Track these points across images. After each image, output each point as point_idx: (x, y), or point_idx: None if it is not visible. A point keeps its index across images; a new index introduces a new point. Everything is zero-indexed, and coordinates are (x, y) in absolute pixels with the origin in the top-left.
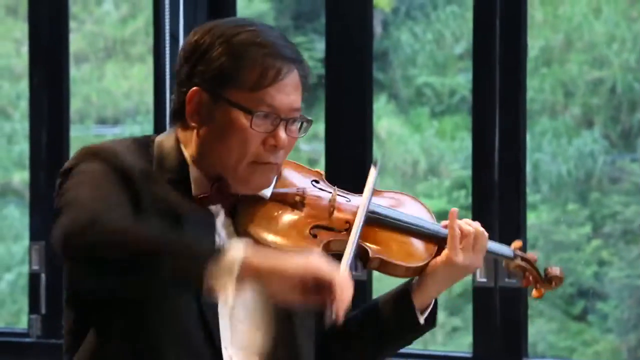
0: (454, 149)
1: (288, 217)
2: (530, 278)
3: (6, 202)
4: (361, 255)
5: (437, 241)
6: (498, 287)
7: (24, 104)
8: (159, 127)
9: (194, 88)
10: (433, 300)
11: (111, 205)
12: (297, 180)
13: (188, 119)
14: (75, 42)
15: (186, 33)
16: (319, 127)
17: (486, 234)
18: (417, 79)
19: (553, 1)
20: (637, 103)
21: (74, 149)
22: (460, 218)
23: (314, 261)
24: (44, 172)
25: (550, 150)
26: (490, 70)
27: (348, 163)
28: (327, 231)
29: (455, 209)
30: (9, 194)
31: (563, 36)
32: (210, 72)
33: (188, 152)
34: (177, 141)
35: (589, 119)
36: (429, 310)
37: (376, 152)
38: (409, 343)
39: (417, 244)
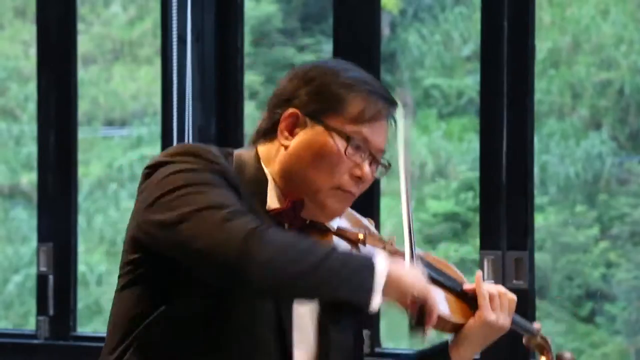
0: (462, 151)
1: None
2: (550, 357)
3: (14, 204)
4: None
5: (468, 302)
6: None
7: (32, 106)
8: (166, 129)
9: (293, 109)
10: None
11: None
12: (357, 221)
13: (280, 135)
14: (83, 44)
15: (193, 35)
16: None
17: (511, 295)
18: (424, 81)
19: (561, 3)
20: None
21: (81, 150)
22: (468, 222)
23: (427, 285)
24: (52, 174)
25: (558, 151)
26: (498, 71)
27: None
28: None
29: (480, 273)
30: (17, 196)
31: (571, 38)
32: (314, 97)
33: (269, 170)
34: (257, 156)
35: (597, 121)
36: None
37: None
38: None
39: (458, 303)
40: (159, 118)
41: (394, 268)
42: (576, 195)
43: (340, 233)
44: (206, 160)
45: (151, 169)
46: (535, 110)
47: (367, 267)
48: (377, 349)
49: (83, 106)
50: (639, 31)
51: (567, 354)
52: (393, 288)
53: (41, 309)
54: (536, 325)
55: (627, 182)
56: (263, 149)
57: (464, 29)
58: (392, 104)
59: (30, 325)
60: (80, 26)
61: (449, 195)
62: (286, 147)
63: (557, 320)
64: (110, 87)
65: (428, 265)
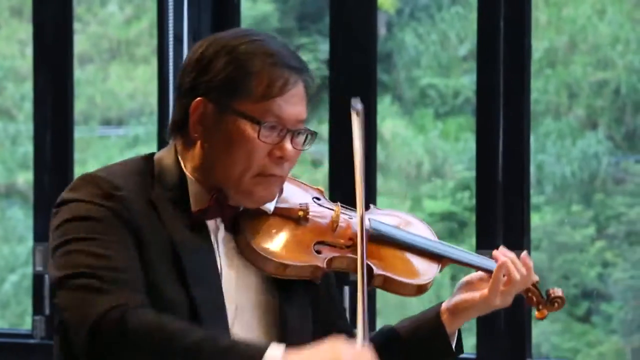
0: (458, 150)
1: (292, 232)
2: (534, 299)
3: (10, 203)
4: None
5: (439, 260)
6: None
7: (28, 105)
8: (162, 128)
9: (198, 98)
10: (457, 330)
11: (132, 274)
12: (299, 196)
13: (191, 130)
14: (80, 43)
15: (190, 34)
16: (323, 129)
17: (533, 277)
18: (421, 80)
19: (557, 2)
20: None
21: (78, 150)
22: (464, 221)
23: None
24: (48, 174)
25: (554, 151)
26: (494, 71)
27: (352, 165)
28: (331, 247)
29: (505, 262)
30: (13, 195)
31: (567, 37)
32: (216, 82)
33: (188, 166)
34: (176, 155)
35: (593, 121)
36: (455, 338)
37: (380, 154)
38: None
39: (422, 263)
40: (155, 117)
41: (294, 358)
42: (572, 195)
43: (278, 212)
44: (102, 198)
45: (56, 208)
46: (531, 110)
47: (251, 358)
48: None
49: (79, 106)
50: (635, 31)
51: (559, 291)
52: None
53: (37, 308)
54: None
55: (623, 181)
56: (180, 145)
57: (460, 28)
58: (300, 66)
59: (26, 325)
60: (76, 25)
61: (446, 194)
62: (199, 140)
63: (553, 320)
64: (107, 87)
65: (390, 228)
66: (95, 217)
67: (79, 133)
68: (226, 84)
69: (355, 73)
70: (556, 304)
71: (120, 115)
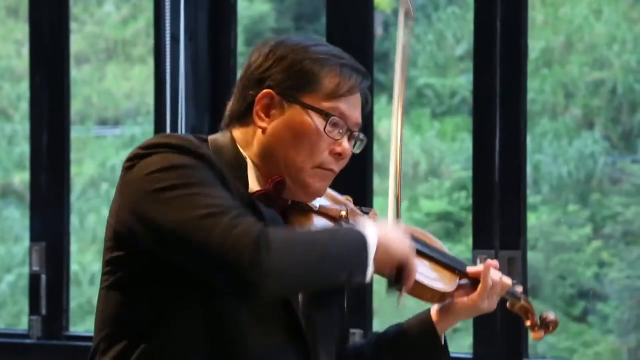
0: (455, 150)
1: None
2: (532, 319)
3: (6, 203)
4: (395, 275)
5: (459, 274)
6: None
7: (25, 105)
8: (159, 128)
9: (267, 90)
10: (443, 334)
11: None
12: (335, 199)
13: (256, 118)
14: (76, 43)
15: (187, 34)
16: None
17: (506, 280)
18: (417, 80)
19: (554, 2)
20: (637, 104)
21: (74, 150)
22: (461, 221)
23: (410, 247)
24: (44, 173)
25: (551, 151)
26: (490, 71)
27: (348, 164)
28: None
29: (492, 262)
30: (9, 195)
31: (563, 37)
32: (287, 75)
33: (248, 153)
34: (233, 140)
35: (590, 120)
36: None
37: (376, 153)
38: None
39: (444, 273)
40: (152, 117)
41: (381, 235)
42: (569, 195)
43: (322, 211)
44: (190, 153)
45: (132, 161)
46: (528, 110)
47: (361, 243)
48: None
49: (76, 105)
50: (631, 31)
51: (551, 315)
52: (381, 256)
53: (33, 308)
54: (518, 288)
55: (619, 181)
56: (238, 133)
57: (457, 28)
58: (365, 76)
59: (22, 325)
60: (73, 25)
61: (442, 194)
62: (264, 129)
63: None
64: (103, 86)
65: (413, 238)
66: (191, 164)
67: (75, 133)
68: (297, 78)
69: None
70: (550, 327)
71: (116, 115)
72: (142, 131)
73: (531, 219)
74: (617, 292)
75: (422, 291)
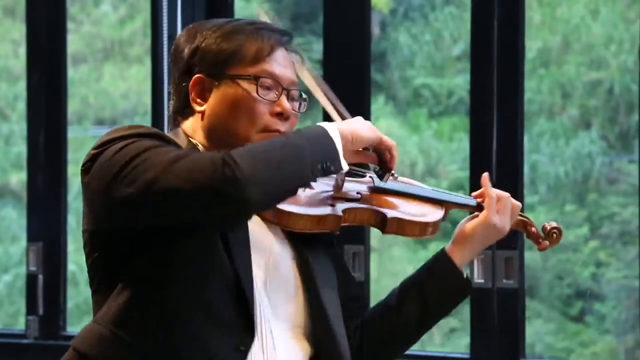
0: (452, 150)
1: (303, 190)
2: (533, 230)
3: (4, 203)
4: (380, 221)
5: (443, 205)
6: (496, 288)
7: (22, 105)
8: (156, 128)
9: (196, 76)
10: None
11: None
12: None
13: (192, 104)
14: (73, 43)
15: None
16: None
17: (516, 202)
18: (415, 80)
19: (551, 2)
20: (634, 104)
21: (71, 150)
22: (458, 221)
23: (377, 130)
24: (41, 173)
25: (548, 151)
26: (488, 71)
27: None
28: (342, 201)
29: (486, 174)
30: (6, 195)
31: (561, 37)
32: (209, 57)
33: (197, 140)
34: (183, 133)
35: (587, 120)
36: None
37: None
38: (450, 311)
39: (426, 206)
40: (149, 117)
41: (342, 126)
42: (566, 195)
43: None
44: (144, 130)
45: (88, 164)
46: (525, 110)
47: (322, 132)
48: None
49: (73, 105)
50: (628, 31)
51: (553, 223)
52: (352, 145)
53: (31, 308)
54: None
55: (616, 181)
56: (185, 125)
57: (454, 28)
58: (285, 33)
59: (19, 325)
60: (70, 25)
61: None
62: (203, 113)
63: (547, 320)
64: (101, 86)
65: (392, 184)
66: (146, 136)
67: (73, 133)
68: (218, 56)
69: (349, 73)
70: (554, 235)
71: (113, 115)
72: None
73: None
74: (614, 292)
75: (409, 228)
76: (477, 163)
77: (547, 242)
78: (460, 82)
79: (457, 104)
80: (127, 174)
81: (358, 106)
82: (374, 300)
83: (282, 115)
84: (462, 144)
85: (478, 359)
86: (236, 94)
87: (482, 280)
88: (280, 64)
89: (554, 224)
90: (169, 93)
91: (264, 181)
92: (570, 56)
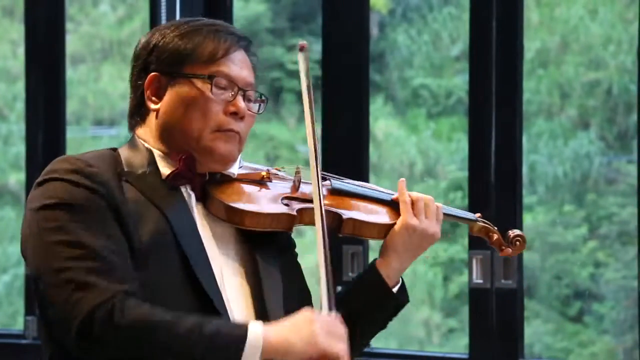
0: (451, 151)
1: (258, 191)
2: (495, 237)
3: (2, 204)
4: (334, 221)
5: (394, 207)
6: (494, 288)
7: (20, 105)
8: None
9: (152, 74)
10: (401, 279)
11: (121, 264)
12: (255, 167)
13: (148, 102)
14: (72, 43)
15: None
16: (316, 129)
17: (437, 203)
18: (413, 81)
19: (549, 3)
20: (633, 105)
21: (70, 150)
22: (458, 222)
23: (320, 343)
24: (40, 174)
25: (547, 151)
26: (486, 71)
27: (345, 164)
28: (297, 201)
29: (403, 179)
30: (5, 195)
31: (559, 38)
32: (165, 55)
33: (151, 142)
34: (138, 139)
35: (585, 121)
36: (398, 286)
37: (373, 154)
38: (383, 324)
39: (382, 208)
40: None
41: (276, 335)
42: (564, 195)
43: (242, 178)
44: (78, 180)
45: (35, 187)
46: (523, 110)
47: (235, 343)
48: (365, 349)
49: (72, 106)
50: (627, 31)
51: (517, 231)
52: (283, 356)
53: (29, 308)
54: (477, 215)
55: (615, 181)
56: (140, 130)
57: (452, 29)
58: (242, 37)
59: (18, 325)
60: (68, 25)
61: (438, 195)
62: (157, 111)
63: (545, 320)
64: (99, 87)
65: (348, 184)
66: (72, 200)
67: (71, 133)
68: (175, 55)
69: (348, 73)
70: (517, 243)
71: (112, 116)
72: None
73: (527, 219)
74: (612, 293)
75: (366, 229)
76: (476, 163)
77: (509, 250)
78: (459, 82)
79: (456, 104)
80: (37, 245)
81: (357, 106)
82: None
83: (236, 115)
84: (461, 144)
85: (477, 359)
86: (190, 93)
87: (480, 281)
88: (237, 64)
89: (517, 232)
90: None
91: (127, 348)
92: (568, 56)
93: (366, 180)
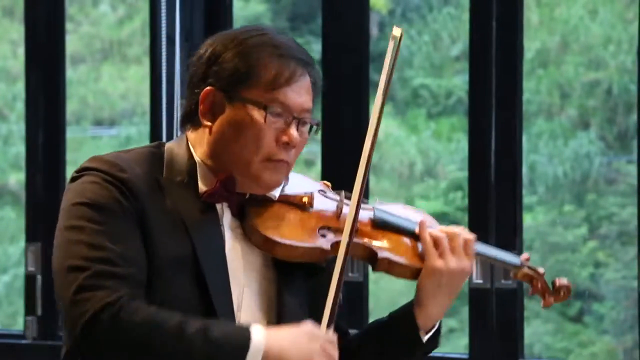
0: (451, 151)
1: (297, 217)
2: (539, 286)
3: (2, 204)
4: (369, 256)
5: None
6: (494, 288)
7: (20, 106)
8: (155, 129)
9: (208, 87)
10: (438, 323)
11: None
12: (305, 186)
13: (201, 118)
14: (72, 43)
15: (182, 34)
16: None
17: (466, 235)
18: (413, 81)
19: (549, 3)
20: (633, 105)
21: (70, 150)
22: (457, 222)
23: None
24: (40, 174)
25: (547, 151)
26: (486, 71)
27: (345, 164)
28: (335, 232)
29: (423, 221)
30: (5, 196)
31: (559, 38)
32: (225, 72)
33: (198, 153)
34: (187, 144)
35: (585, 121)
36: (433, 330)
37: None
38: None
39: (415, 246)
40: (147, 118)
41: (275, 343)
42: (564, 195)
43: (283, 199)
44: (108, 177)
45: (69, 183)
46: (523, 110)
47: (238, 348)
48: None
49: (72, 106)
50: (627, 31)
51: (564, 280)
52: None
53: (29, 309)
54: (523, 256)
55: (615, 181)
56: (192, 135)
57: (452, 29)
58: (306, 62)
59: (18, 326)
60: (68, 26)
61: (438, 195)
62: (210, 129)
63: (545, 320)
64: (99, 87)
65: (381, 210)
66: (99, 202)
67: (71, 133)
68: (235, 74)
69: (348, 73)
70: (562, 293)
71: (112, 116)
72: (138, 132)
73: (527, 219)
74: (612, 293)
75: (399, 270)
76: (476, 163)
77: (551, 299)
78: (458, 82)
79: (456, 104)
80: (60, 241)
81: (357, 106)
82: (372, 301)
83: (287, 145)
84: (461, 144)
85: (477, 359)
86: (244, 118)
87: (480, 281)
88: (295, 93)
89: (565, 282)
90: (182, 91)
91: (127, 342)
92: (568, 56)
93: (366, 180)
